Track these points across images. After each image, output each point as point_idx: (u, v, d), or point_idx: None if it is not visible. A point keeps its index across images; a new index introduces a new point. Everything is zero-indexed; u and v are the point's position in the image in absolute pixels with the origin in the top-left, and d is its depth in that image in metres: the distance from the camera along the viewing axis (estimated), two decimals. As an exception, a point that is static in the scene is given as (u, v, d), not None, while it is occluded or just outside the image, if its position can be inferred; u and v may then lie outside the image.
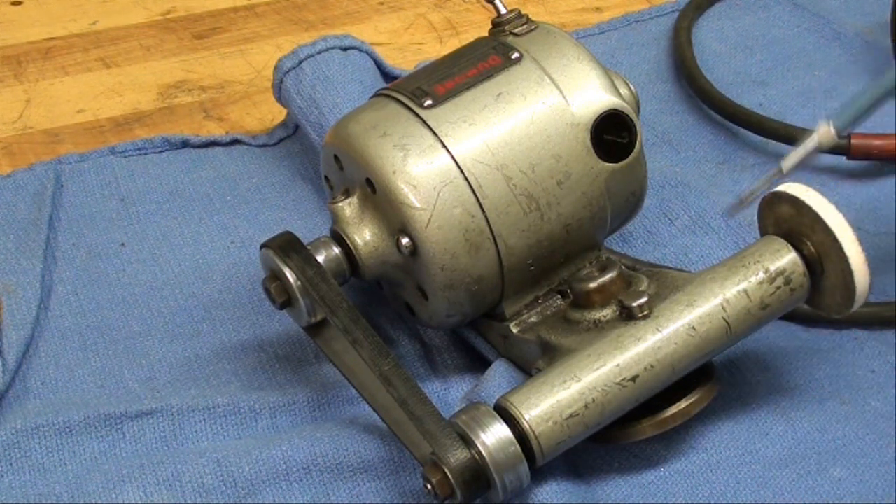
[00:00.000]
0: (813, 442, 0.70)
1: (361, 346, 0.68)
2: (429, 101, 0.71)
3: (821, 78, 0.95)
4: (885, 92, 0.72)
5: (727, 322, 0.68)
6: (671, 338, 0.67)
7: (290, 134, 0.92)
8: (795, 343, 0.75)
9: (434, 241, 0.69)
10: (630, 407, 0.67)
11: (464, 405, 0.68)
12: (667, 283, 0.70)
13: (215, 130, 0.94)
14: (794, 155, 0.73)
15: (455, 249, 0.69)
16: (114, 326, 0.79)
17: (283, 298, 0.71)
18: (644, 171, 0.74)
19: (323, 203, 0.85)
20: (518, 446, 0.64)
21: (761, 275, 0.68)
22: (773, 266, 0.68)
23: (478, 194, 0.70)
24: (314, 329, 0.73)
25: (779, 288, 0.68)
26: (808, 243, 0.68)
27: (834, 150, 0.85)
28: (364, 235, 0.72)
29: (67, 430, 0.72)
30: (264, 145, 0.92)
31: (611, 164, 0.72)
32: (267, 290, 0.72)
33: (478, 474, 0.64)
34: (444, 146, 0.70)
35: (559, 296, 0.74)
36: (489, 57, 0.73)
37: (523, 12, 0.75)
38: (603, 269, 0.71)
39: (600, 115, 0.72)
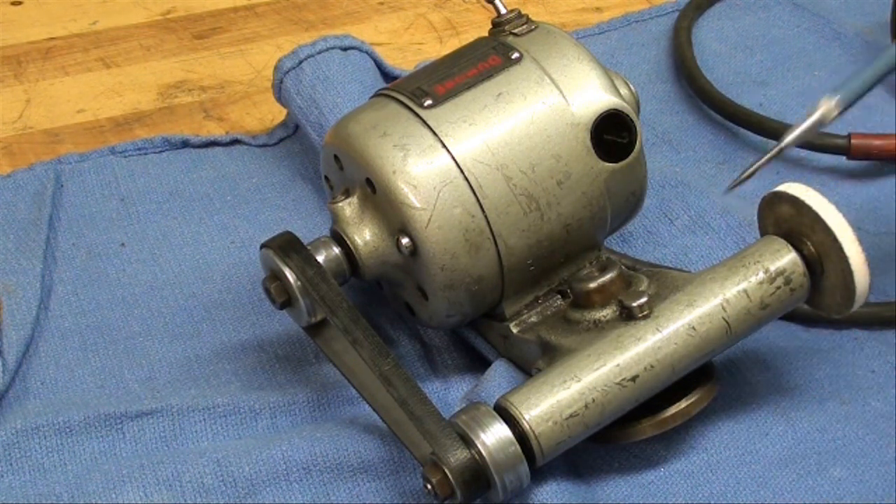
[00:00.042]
0: (813, 442, 0.70)
1: (361, 346, 0.68)
2: (429, 101, 0.71)
3: (821, 78, 0.95)
4: (888, 68, 0.72)
5: (727, 322, 0.68)
6: (671, 338, 0.67)
7: (290, 134, 0.92)
8: (795, 343, 0.75)
9: (434, 241, 0.69)
10: (630, 407, 0.67)
11: (464, 405, 0.68)
12: (667, 283, 0.70)
13: (215, 130, 0.94)
14: (797, 129, 0.72)
15: (455, 249, 0.69)
16: (114, 326, 0.79)
17: (283, 298, 0.71)
18: (644, 171, 0.74)
19: (323, 203, 0.85)
20: (518, 446, 0.64)
21: (761, 275, 0.68)
22: (773, 266, 0.68)
23: (478, 194, 0.70)
24: (314, 329, 0.73)
25: (779, 288, 0.68)
26: (808, 243, 0.68)
27: (834, 150, 0.85)
28: (364, 235, 0.72)
29: (67, 430, 0.71)
30: (264, 145, 0.92)
31: (611, 164, 0.72)
32: (267, 290, 0.72)
33: (478, 474, 0.64)
34: (444, 146, 0.70)
35: (559, 296, 0.74)
36: (489, 57, 0.73)
37: (523, 12, 0.75)
38: (603, 269, 0.71)
39: (600, 115, 0.72)
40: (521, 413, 0.65)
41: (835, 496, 0.68)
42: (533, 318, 0.73)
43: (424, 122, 0.71)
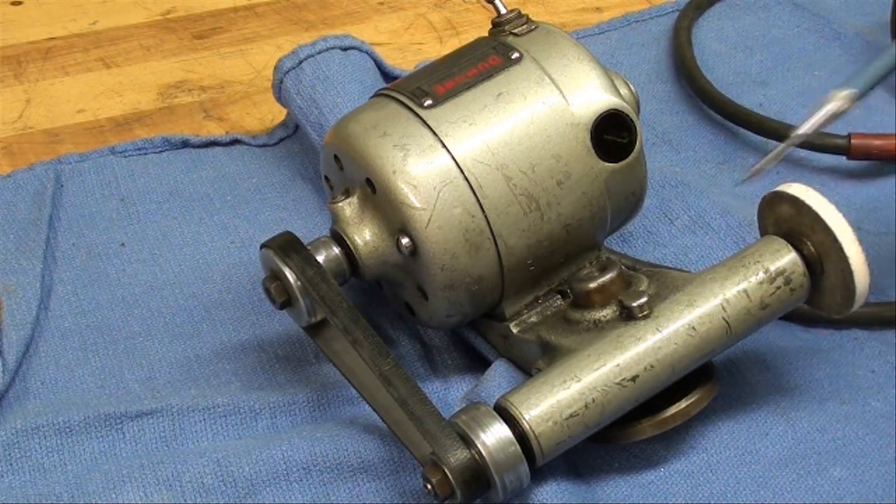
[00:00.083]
0: (813, 442, 0.70)
1: (361, 346, 0.68)
2: (429, 101, 0.71)
3: (821, 78, 0.95)
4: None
5: (727, 322, 0.68)
6: (671, 338, 0.67)
7: (290, 134, 0.92)
8: (795, 343, 0.75)
9: (434, 241, 0.69)
10: (630, 407, 0.67)
11: (464, 405, 0.68)
12: (667, 283, 0.70)
13: (215, 130, 0.94)
14: (812, 119, 0.72)
15: (455, 249, 0.69)
16: (114, 326, 0.79)
17: (283, 298, 0.71)
18: (644, 171, 0.74)
19: (323, 203, 0.85)
20: (518, 446, 0.64)
21: (761, 275, 0.68)
22: (773, 266, 0.68)
23: (478, 194, 0.70)
24: (314, 329, 0.73)
25: (779, 288, 0.68)
26: (808, 243, 0.68)
27: (834, 150, 0.85)
28: (364, 235, 0.72)
29: (67, 430, 0.71)
30: (264, 145, 0.92)
31: (611, 164, 0.72)
32: (267, 290, 0.72)
33: (478, 474, 0.64)
34: (444, 146, 0.70)
35: (559, 296, 0.74)
36: (489, 57, 0.73)
37: (523, 12, 0.75)
38: (603, 269, 0.71)
39: (600, 115, 0.72)
40: (521, 413, 0.65)
41: (835, 496, 0.67)
42: (533, 318, 0.73)
43: (424, 122, 0.71)
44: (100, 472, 0.69)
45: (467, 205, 0.70)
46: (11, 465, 0.70)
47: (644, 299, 0.68)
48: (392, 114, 0.71)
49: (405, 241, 0.70)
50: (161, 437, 0.72)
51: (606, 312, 0.69)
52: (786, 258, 0.69)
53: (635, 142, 0.73)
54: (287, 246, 0.71)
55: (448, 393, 0.74)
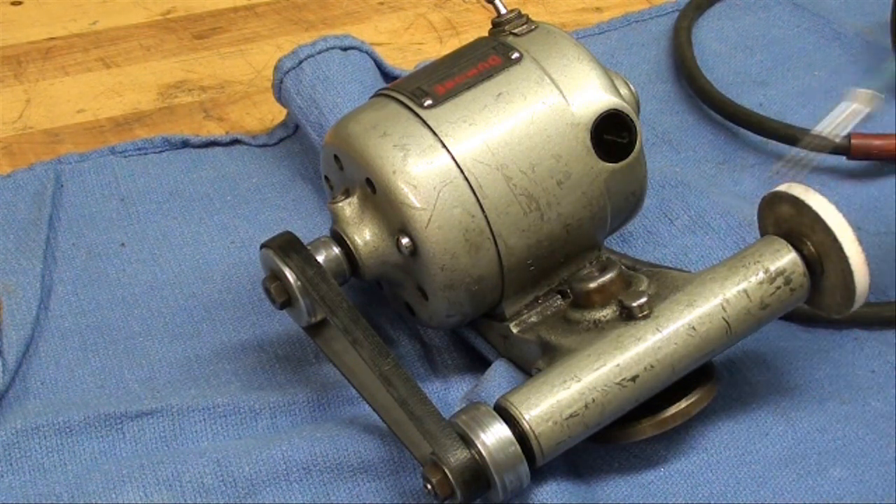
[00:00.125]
0: (813, 442, 0.70)
1: (361, 346, 0.68)
2: (429, 101, 0.71)
3: (821, 78, 0.95)
4: None
5: (727, 322, 0.68)
6: (671, 338, 0.67)
7: (290, 134, 0.92)
8: (795, 343, 0.75)
9: (434, 241, 0.69)
10: (630, 407, 0.67)
11: (464, 405, 0.68)
12: (667, 283, 0.70)
13: (215, 130, 0.94)
14: (846, 119, 0.72)
15: (455, 249, 0.69)
16: (114, 326, 0.79)
17: (283, 298, 0.71)
18: (644, 171, 0.74)
19: (323, 203, 0.85)
20: (518, 446, 0.64)
21: (761, 275, 0.68)
22: (773, 266, 0.68)
23: (478, 194, 0.70)
24: (314, 329, 0.73)
25: (779, 288, 0.68)
26: (808, 243, 0.68)
27: (834, 150, 0.85)
28: (364, 235, 0.72)
29: (67, 430, 0.71)
30: (264, 145, 0.92)
31: (611, 164, 0.72)
32: (267, 290, 0.72)
33: (478, 474, 0.64)
34: (444, 146, 0.70)
35: (559, 296, 0.74)
36: (489, 57, 0.73)
37: (523, 12, 0.75)
38: (603, 269, 0.71)
39: (600, 115, 0.72)
40: (521, 413, 0.65)
41: (835, 496, 0.67)
42: (533, 318, 0.73)
43: (424, 122, 0.71)
44: (100, 472, 0.69)
45: (467, 205, 0.70)
46: (11, 465, 0.70)
47: (644, 299, 0.68)
48: (392, 114, 0.71)
49: (405, 241, 0.70)
50: (161, 437, 0.72)
51: (606, 312, 0.69)
52: (786, 258, 0.69)
53: (635, 142, 0.73)
54: (287, 246, 0.71)
55: (448, 393, 0.74)
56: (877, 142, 0.85)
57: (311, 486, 0.69)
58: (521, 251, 0.71)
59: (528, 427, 0.65)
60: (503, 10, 0.75)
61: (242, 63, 1.00)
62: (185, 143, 0.91)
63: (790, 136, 0.86)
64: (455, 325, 0.74)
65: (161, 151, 0.91)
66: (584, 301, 0.70)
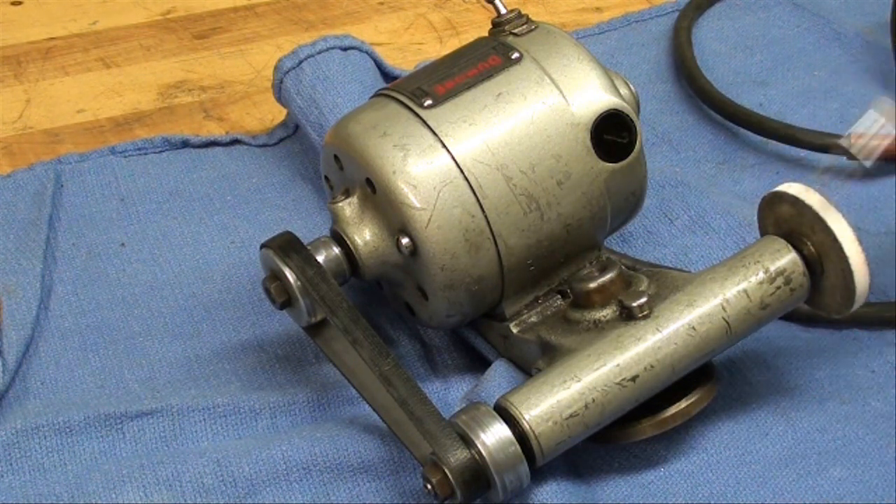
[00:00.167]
0: (813, 442, 0.70)
1: (361, 346, 0.68)
2: (429, 101, 0.71)
3: (821, 78, 0.95)
4: None
5: (727, 322, 0.68)
6: (671, 338, 0.67)
7: (290, 134, 0.92)
8: (795, 343, 0.75)
9: (434, 241, 0.69)
10: (630, 407, 0.67)
11: (464, 405, 0.68)
12: (667, 283, 0.70)
13: (215, 130, 0.94)
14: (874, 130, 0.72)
15: (455, 249, 0.69)
16: (114, 326, 0.79)
17: (283, 298, 0.71)
18: (644, 171, 0.74)
19: (323, 203, 0.85)
20: (518, 446, 0.64)
21: (761, 275, 0.68)
22: (773, 266, 0.68)
23: (478, 194, 0.70)
24: (314, 329, 0.73)
25: (779, 288, 0.68)
26: (808, 243, 0.68)
27: (833, 150, 0.85)
28: (364, 235, 0.72)
29: (67, 430, 0.71)
30: (264, 145, 0.92)
31: (611, 164, 0.72)
32: (267, 290, 0.72)
33: (478, 474, 0.64)
34: (444, 146, 0.70)
35: (559, 296, 0.74)
36: (489, 57, 0.73)
37: (523, 12, 0.75)
38: (603, 269, 0.71)
39: (600, 115, 0.72)
40: (521, 413, 0.65)
41: (835, 496, 0.67)
42: (533, 318, 0.73)
43: (424, 122, 0.71)
44: (100, 472, 0.69)
45: (467, 205, 0.70)
46: (11, 465, 0.70)
47: (644, 299, 0.68)
48: (392, 114, 0.71)
49: (405, 241, 0.70)
50: (161, 437, 0.72)
51: (606, 312, 0.69)
52: (786, 258, 0.69)
53: (635, 142, 0.73)
54: (287, 246, 0.71)
55: (448, 393, 0.74)
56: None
57: (311, 486, 0.69)
58: (521, 251, 0.71)
59: (528, 427, 0.65)
60: (503, 10, 0.75)
61: (242, 63, 1.00)
62: (185, 143, 0.91)
63: (790, 136, 0.86)
64: (455, 325, 0.74)
65: (161, 151, 0.91)
66: (584, 301, 0.70)
